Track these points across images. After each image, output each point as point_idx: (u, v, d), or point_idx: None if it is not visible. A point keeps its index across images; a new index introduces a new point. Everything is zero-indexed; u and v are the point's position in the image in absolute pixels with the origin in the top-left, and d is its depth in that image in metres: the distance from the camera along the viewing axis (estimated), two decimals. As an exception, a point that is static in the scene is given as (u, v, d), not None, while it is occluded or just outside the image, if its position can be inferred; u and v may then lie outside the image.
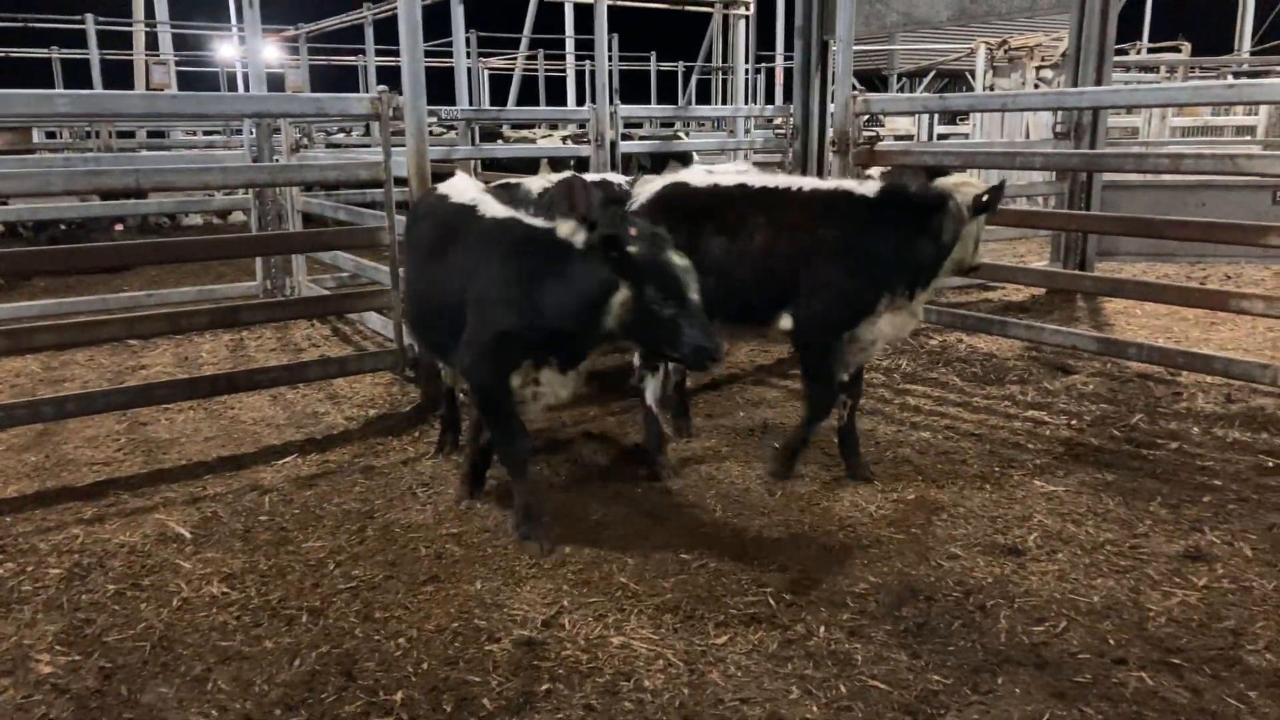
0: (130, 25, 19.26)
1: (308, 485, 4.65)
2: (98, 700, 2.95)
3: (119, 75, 18.26)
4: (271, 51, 17.68)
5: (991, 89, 12.94)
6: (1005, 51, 11.92)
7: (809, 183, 4.64)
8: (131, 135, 15.73)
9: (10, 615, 3.43)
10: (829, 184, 4.62)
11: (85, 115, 9.96)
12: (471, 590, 3.59)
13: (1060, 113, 7.89)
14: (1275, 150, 11.80)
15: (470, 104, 12.47)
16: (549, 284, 3.66)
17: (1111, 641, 3.18)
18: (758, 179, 4.75)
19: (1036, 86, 11.88)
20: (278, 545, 3.99)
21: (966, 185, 4.30)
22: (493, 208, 4.09)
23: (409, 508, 4.36)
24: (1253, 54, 15.97)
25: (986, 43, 12.80)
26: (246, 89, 19.68)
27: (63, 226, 11.53)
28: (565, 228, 3.71)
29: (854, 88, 6.93)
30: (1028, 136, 11.39)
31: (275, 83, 14.03)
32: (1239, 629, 3.25)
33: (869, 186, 4.40)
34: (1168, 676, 2.99)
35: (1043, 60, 12.20)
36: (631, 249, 3.46)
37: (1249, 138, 13.39)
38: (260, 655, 3.17)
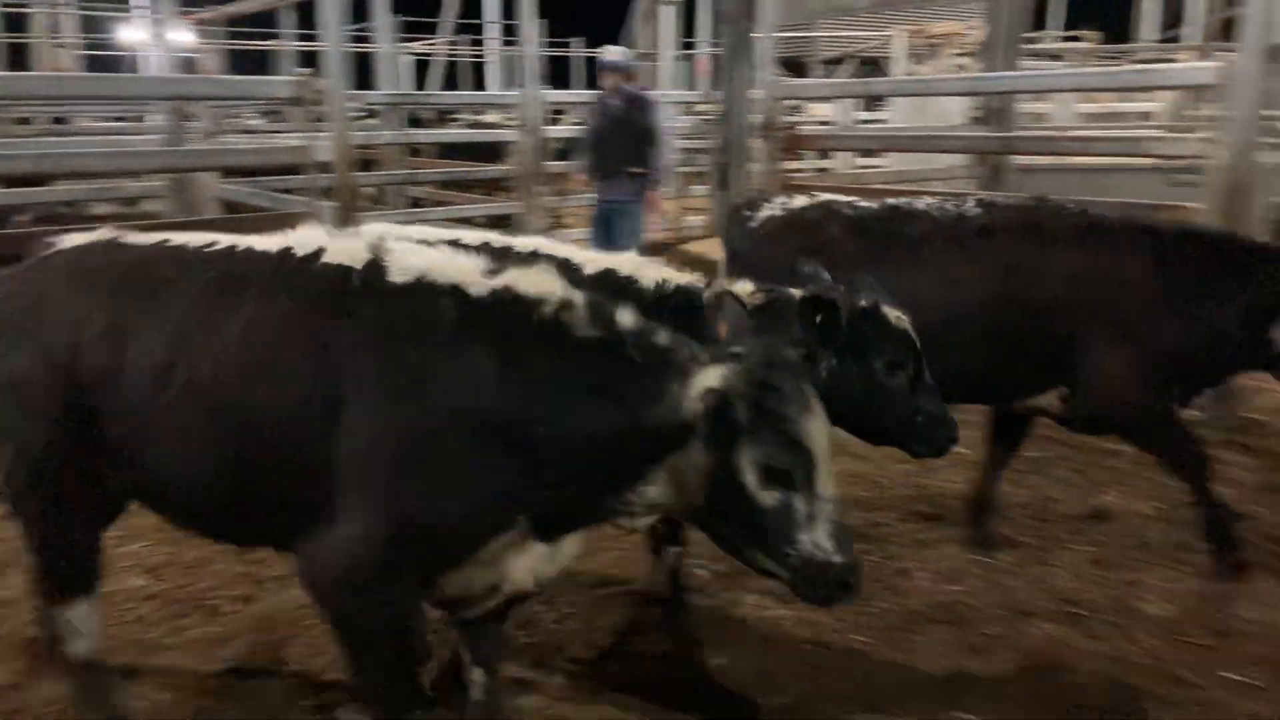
0: (29, 8, 18.35)
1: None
2: (14, 697, 2.87)
3: (16, 61, 17.35)
4: (182, 35, 17.04)
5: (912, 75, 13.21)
6: (926, 39, 12.22)
7: None
8: (27, 122, 14.93)
9: (-82, 615, 3.31)
10: None
11: (-17, 99, 9.50)
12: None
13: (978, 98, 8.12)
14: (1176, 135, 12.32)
15: (393, 89, 12.27)
16: None
17: (1020, 596, 3.35)
18: None
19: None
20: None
21: None
22: None
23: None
24: (1158, 43, 16.61)
25: (904, 30, 13.09)
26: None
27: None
28: None
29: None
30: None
31: (186, 67, 13.51)
32: (1135, 580, 3.46)
33: None
34: (1070, 627, 3.17)
35: (960, 48, 12.51)
36: None
37: (1151, 123, 13.94)
38: (186, 646, 3.13)
